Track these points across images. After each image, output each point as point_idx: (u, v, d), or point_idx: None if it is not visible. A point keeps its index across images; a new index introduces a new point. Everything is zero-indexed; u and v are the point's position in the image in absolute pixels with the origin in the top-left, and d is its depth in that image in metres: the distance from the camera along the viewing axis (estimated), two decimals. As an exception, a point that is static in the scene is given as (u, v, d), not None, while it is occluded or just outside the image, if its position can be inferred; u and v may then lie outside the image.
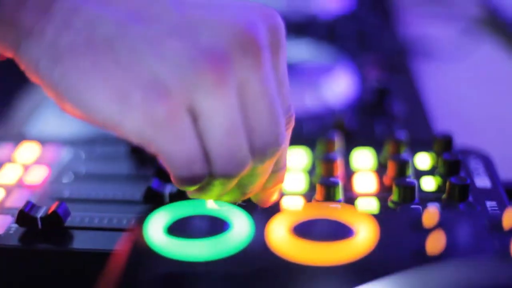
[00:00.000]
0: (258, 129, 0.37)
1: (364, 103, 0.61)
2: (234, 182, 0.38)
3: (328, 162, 0.48)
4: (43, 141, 0.55)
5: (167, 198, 0.46)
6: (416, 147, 0.51)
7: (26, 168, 0.52)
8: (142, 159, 0.52)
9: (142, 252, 0.34)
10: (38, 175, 0.51)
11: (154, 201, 0.46)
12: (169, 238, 0.34)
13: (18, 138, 0.57)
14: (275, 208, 0.43)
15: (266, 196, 0.42)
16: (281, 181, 0.42)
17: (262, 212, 0.40)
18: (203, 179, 0.37)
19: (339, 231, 0.34)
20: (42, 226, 0.44)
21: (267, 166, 0.39)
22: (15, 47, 0.37)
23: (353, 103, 0.62)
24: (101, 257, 0.42)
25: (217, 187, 0.38)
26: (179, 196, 0.45)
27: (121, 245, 0.35)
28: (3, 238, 0.44)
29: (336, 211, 0.36)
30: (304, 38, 0.75)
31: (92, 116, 0.36)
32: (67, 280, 0.43)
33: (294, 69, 0.67)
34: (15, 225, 0.45)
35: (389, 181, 0.47)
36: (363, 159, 0.51)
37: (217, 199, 0.39)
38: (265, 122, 0.37)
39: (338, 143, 0.51)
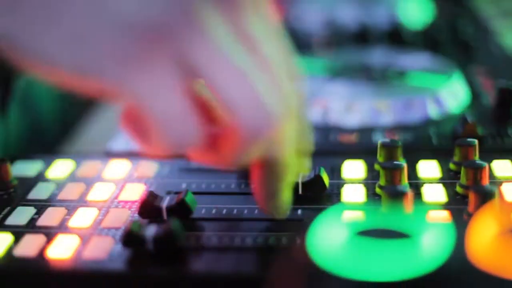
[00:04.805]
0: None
1: (486, 107, 0.55)
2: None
3: (477, 168, 0.41)
4: (131, 157, 0.49)
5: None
6: None
7: (118, 185, 0.45)
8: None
9: (315, 274, 0.27)
10: (134, 192, 0.44)
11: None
12: (348, 255, 0.28)
13: (103, 155, 0.51)
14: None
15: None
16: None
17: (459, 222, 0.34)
18: (196, 141, 0.32)
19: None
20: (154, 247, 0.38)
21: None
22: None
23: (474, 108, 0.56)
24: (229, 282, 0.36)
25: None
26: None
27: (279, 266, 0.29)
28: (107, 262, 0.38)
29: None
30: (403, 47, 0.70)
31: (57, 67, 0.31)
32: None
33: (408, 78, 0.61)
34: (119, 247, 0.38)
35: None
36: (505, 168, 0.44)
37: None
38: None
39: (477, 149, 0.45)
